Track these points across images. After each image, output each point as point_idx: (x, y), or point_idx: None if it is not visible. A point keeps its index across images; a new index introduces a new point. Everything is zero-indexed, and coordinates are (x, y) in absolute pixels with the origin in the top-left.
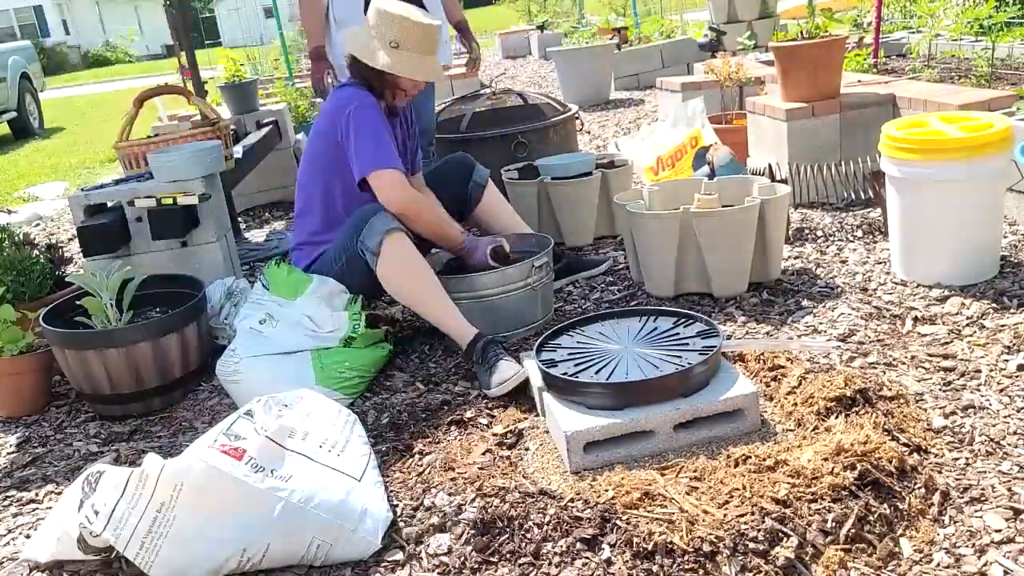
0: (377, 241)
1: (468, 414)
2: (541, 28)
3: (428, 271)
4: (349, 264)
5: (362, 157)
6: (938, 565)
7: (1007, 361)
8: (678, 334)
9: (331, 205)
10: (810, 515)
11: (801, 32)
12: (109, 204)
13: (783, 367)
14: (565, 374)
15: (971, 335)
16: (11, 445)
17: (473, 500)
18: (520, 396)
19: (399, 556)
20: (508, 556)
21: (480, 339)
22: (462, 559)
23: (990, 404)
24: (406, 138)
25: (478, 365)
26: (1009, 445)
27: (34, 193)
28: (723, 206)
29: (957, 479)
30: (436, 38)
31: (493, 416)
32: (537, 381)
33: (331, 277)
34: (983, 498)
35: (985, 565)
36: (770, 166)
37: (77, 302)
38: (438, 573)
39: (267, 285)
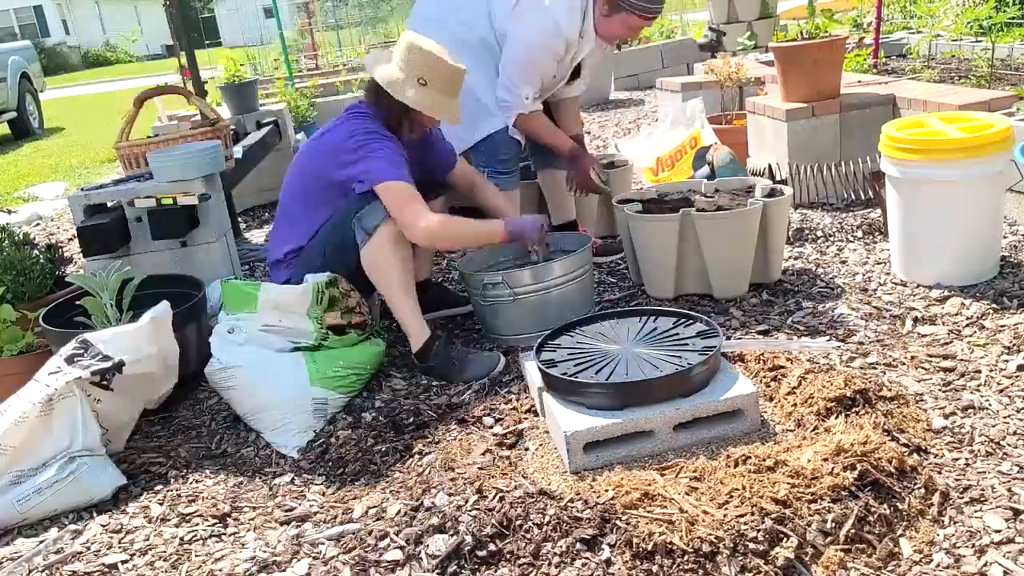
0: (374, 224)
1: (468, 414)
2: None
3: (409, 267)
4: (343, 245)
5: (373, 170)
6: (938, 565)
7: (1007, 361)
8: (678, 334)
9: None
10: (810, 515)
11: (801, 32)
12: (109, 204)
13: (783, 367)
14: (565, 374)
15: (971, 335)
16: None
17: (473, 500)
18: (521, 396)
19: (399, 556)
20: (508, 556)
21: (437, 339)
22: (462, 559)
23: (990, 404)
24: (420, 156)
25: (442, 362)
26: (1009, 445)
27: (34, 193)
28: (723, 207)
29: (957, 479)
30: (462, 82)
31: (493, 416)
32: (537, 381)
33: (317, 263)
34: (983, 498)
35: (985, 565)
36: (770, 166)
37: (77, 302)
38: (438, 573)
39: (225, 306)
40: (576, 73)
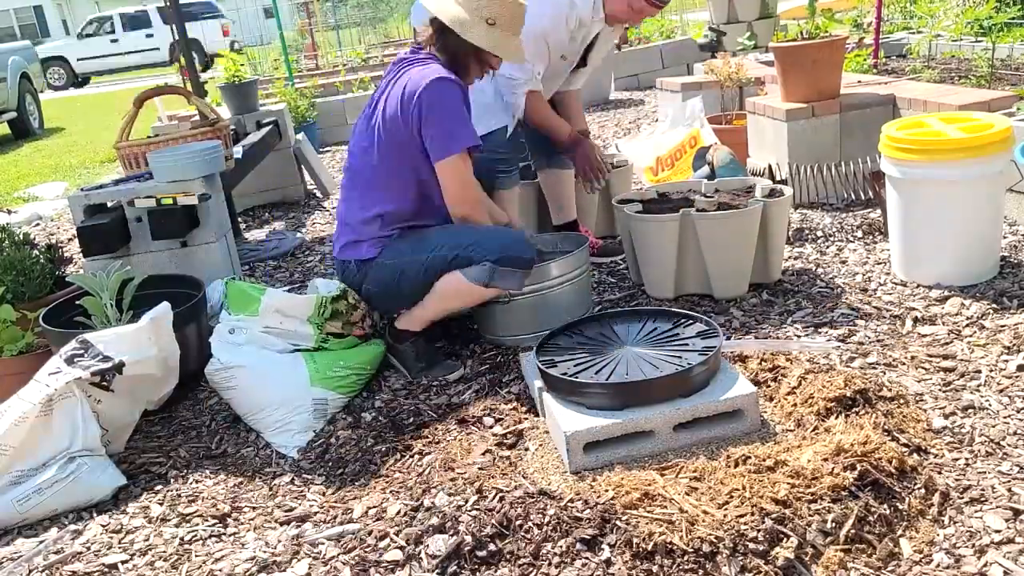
0: (483, 282)
1: (468, 414)
2: None
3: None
4: (412, 284)
5: (447, 135)
6: (938, 565)
7: (1007, 361)
8: (678, 334)
9: (418, 188)
10: (810, 515)
11: (801, 32)
12: (109, 204)
13: (783, 367)
14: (565, 374)
15: (971, 335)
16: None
17: (473, 500)
18: (521, 396)
19: (399, 556)
20: (508, 556)
21: (422, 336)
22: (462, 559)
23: (990, 404)
24: None
25: (410, 353)
26: (1009, 445)
27: (34, 193)
28: (723, 207)
29: (957, 479)
30: (524, 18)
31: (493, 416)
32: (537, 381)
33: (390, 267)
34: (983, 498)
35: (985, 565)
36: (770, 166)
37: (77, 302)
38: (438, 573)
39: (228, 306)
40: (583, 62)
